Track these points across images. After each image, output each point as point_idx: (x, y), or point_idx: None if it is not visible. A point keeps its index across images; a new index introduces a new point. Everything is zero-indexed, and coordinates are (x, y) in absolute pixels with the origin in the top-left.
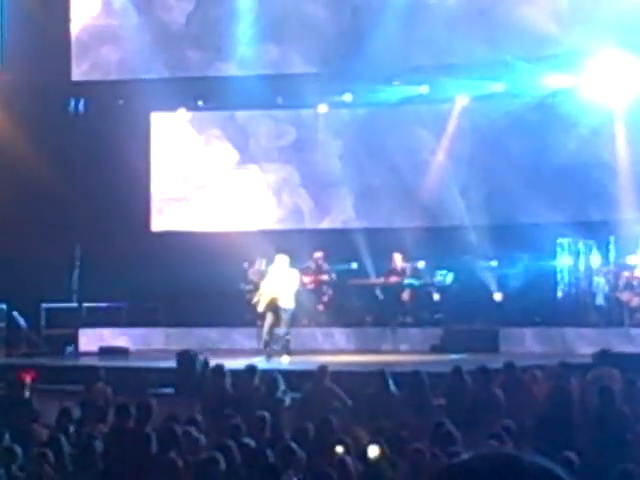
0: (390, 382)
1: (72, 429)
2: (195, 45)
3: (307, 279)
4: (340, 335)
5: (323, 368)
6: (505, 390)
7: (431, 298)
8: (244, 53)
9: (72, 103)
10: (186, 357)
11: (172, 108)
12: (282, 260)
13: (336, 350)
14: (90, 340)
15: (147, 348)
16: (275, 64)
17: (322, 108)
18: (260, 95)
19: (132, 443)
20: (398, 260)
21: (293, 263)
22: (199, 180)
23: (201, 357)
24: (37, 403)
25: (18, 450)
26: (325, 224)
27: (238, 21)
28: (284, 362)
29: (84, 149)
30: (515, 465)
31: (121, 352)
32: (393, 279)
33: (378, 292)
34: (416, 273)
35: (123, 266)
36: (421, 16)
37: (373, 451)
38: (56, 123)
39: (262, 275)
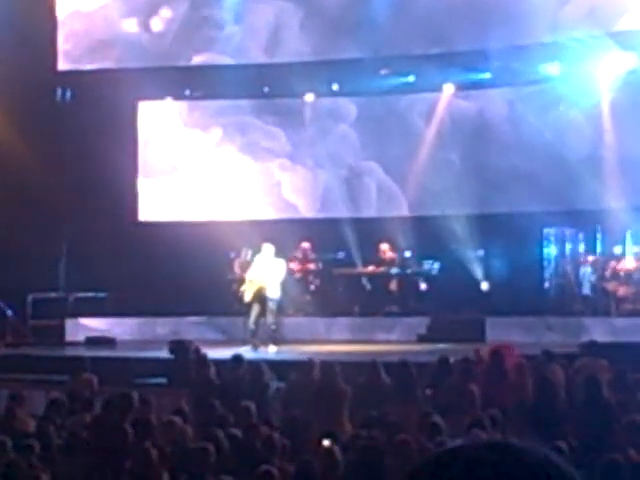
0: (382, 372)
1: (59, 420)
2: (184, 33)
3: (294, 268)
4: (327, 324)
5: (311, 361)
6: (491, 379)
7: (418, 287)
8: (232, 41)
9: (59, 92)
10: (179, 347)
11: (159, 97)
12: (268, 249)
13: (323, 340)
14: (76, 330)
15: (134, 338)
16: (265, 51)
17: (309, 97)
18: (247, 84)
19: (111, 434)
20: (385, 250)
21: (280, 253)
22: (187, 170)
23: (193, 347)
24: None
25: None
26: (312, 214)
27: (226, 7)
28: (271, 352)
29: (71, 139)
30: (509, 452)
31: (108, 342)
32: (380, 268)
33: (365, 281)
34: (403, 262)
35: (110, 256)
36: (409, 5)
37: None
38: (43, 113)
39: (248, 265)
